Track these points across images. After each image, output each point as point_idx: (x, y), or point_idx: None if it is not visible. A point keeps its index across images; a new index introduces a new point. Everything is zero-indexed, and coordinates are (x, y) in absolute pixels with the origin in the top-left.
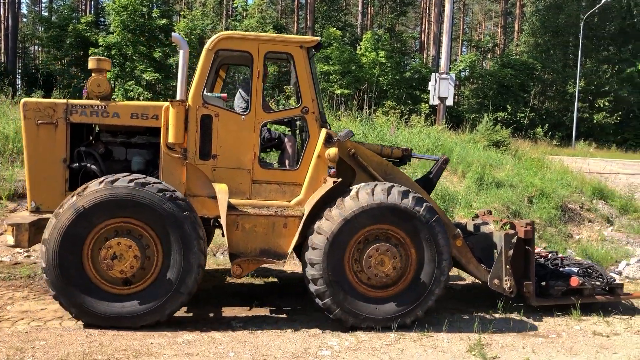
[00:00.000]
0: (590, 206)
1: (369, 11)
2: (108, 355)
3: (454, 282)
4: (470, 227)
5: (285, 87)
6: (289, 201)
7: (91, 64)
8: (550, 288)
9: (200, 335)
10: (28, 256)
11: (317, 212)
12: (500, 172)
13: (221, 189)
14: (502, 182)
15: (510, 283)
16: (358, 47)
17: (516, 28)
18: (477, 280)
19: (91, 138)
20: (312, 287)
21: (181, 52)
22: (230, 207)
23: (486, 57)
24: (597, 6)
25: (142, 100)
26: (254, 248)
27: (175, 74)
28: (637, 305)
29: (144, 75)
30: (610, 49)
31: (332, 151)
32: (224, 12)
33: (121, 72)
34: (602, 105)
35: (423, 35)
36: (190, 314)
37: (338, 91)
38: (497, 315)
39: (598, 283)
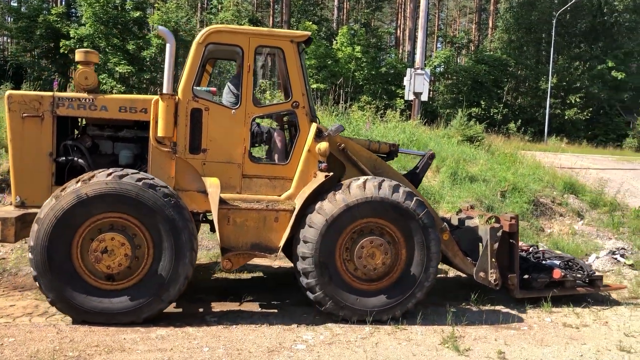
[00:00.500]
0: (561, 200)
1: (345, 6)
2: (79, 352)
3: None
4: (455, 221)
5: (260, 81)
6: (279, 195)
7: (78, 56)
8: (533, 280)
9: (173, 331)
10: None
11: (308, 205)
12: (473, 167)
13: (212, 183)
14: (476, 177)
15: (496, 276)
16: (334, 42)
17: (490, 24)
18: (450, 274)
19: (76, 131)
20: (300, 265)
21: (168, 45)
22: (221, 202)
23: (461, 53)
24: (569, 4)
25: (115, 93)
26: (245, 242)
27: (148, 66)
28: (614, 297)
29: (117, 68)
30: (582, 46)
31: (323, 146)
32: (199, 4)
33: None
34: (573, 101)
35: (399, 31)
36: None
37: (314, 86)
38: (470, 308)
39: (579, 275)
